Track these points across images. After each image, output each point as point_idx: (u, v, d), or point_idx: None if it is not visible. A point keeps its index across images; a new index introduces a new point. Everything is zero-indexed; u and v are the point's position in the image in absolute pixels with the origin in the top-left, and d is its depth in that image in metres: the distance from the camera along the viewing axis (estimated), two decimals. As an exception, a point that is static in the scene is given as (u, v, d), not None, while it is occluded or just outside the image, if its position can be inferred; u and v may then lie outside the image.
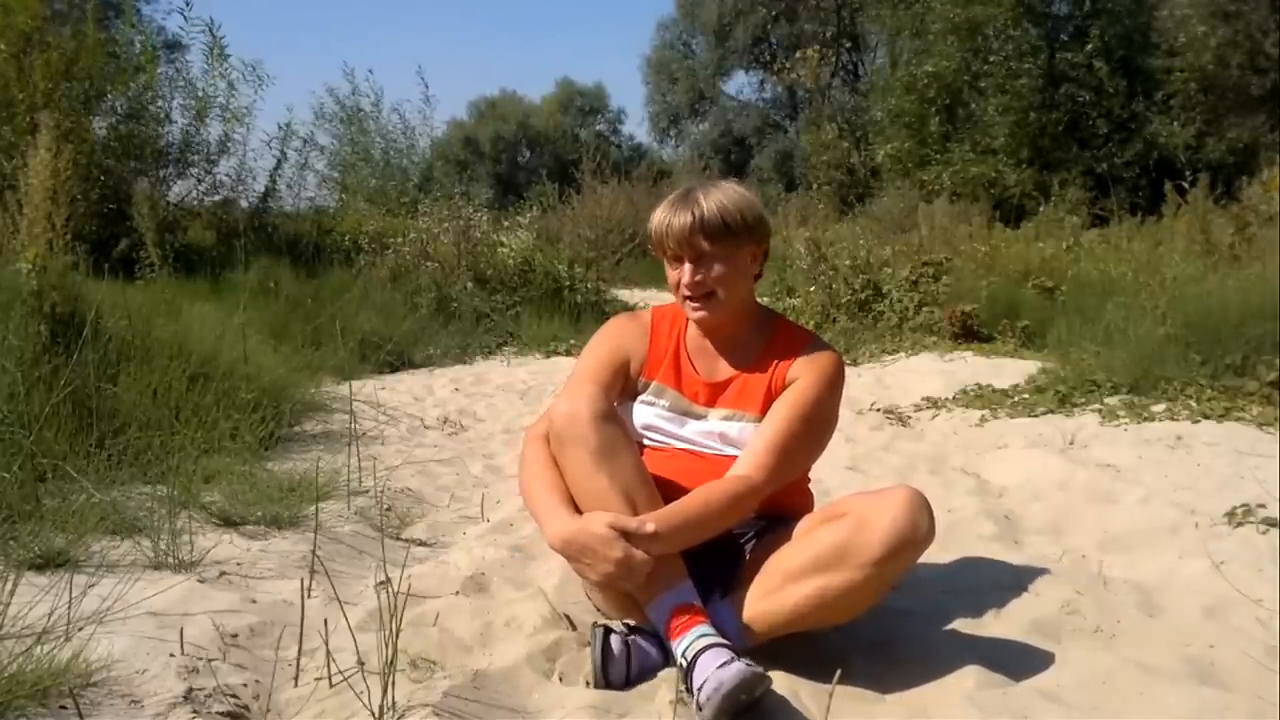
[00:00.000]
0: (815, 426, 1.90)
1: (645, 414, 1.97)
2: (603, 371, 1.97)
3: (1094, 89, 14.71)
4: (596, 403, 1.78)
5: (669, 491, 1.81)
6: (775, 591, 1.74)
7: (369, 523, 2.74)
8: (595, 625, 1.78)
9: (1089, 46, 14.75)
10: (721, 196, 1.88)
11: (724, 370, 1.98)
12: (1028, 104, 14.88)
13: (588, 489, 1.75)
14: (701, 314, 1.91)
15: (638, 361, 2.01)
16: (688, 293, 1.90)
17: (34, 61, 7.06)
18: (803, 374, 1.91)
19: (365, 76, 22.25)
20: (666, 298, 2.04)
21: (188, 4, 8.42)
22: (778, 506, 1.91)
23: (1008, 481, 3.16)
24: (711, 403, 1.96)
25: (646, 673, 1.75)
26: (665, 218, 1.89)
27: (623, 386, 1.99)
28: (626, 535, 1.67)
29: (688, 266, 1.88)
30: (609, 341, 2.04)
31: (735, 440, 1.90)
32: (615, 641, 1.73)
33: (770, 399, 1.91)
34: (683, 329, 2.03)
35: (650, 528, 1.68)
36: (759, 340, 1.98)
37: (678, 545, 1.73)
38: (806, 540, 1.77)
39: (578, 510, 1.76)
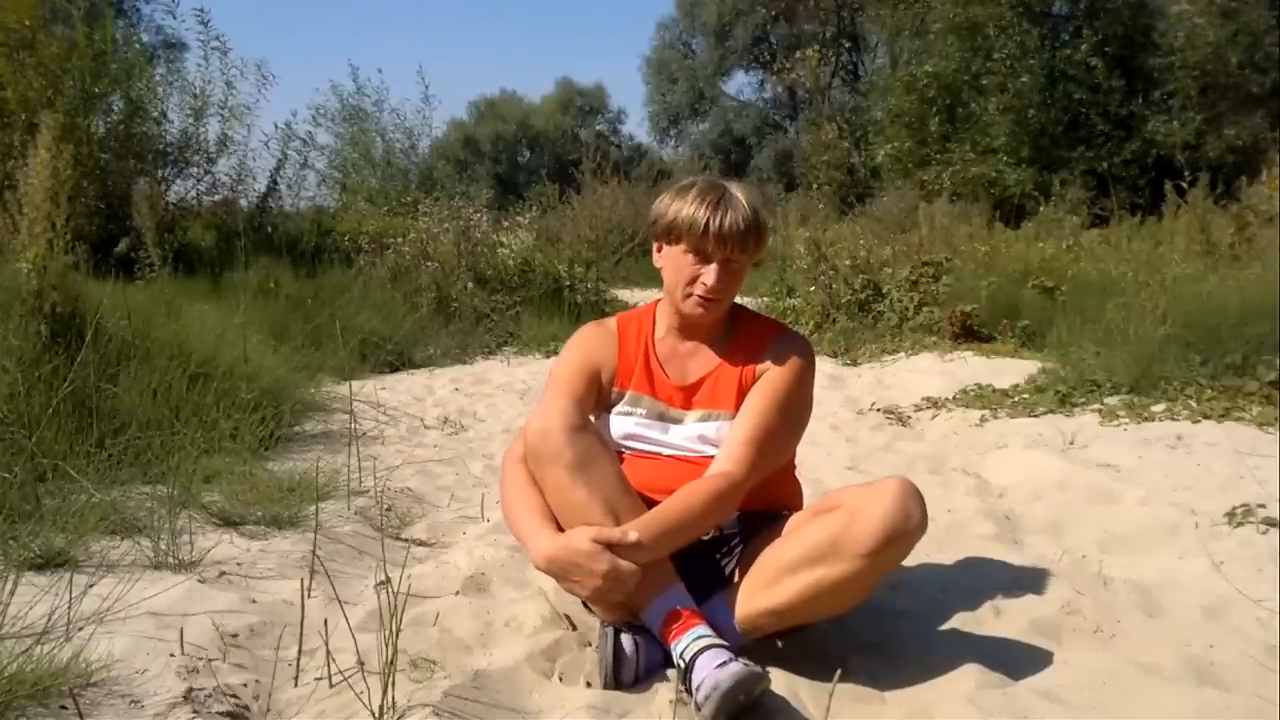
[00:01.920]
0: (790, 415, 1.90)
1: (624, 424, 1.95)
2: (575, 384, 1.93)
3: (1092, 88, 14.71)
4: (569, 416, 1.77)
5: (659, 499, 1.80)
6: (770, 585, 1.74)
7: (369, 523, 2.74)
8: (604, 625, 1.77)
9: (1084, 46, 14.75)
10: (750, 197, 1.85)
11: (694, 372, 1.96)
12: (1027, 103, 14.88)
13: (568, 503, 1.73)
14: (701, 312, 1.89)
15: (609, 372, 1.98)
16: (706, 294, 1.86)
17: (27, 60, 7.05)
18: (772, 364, 1.91)
19: (369, 76, 22.24)
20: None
21: (175, 2, 8.43)
22: (766, 499, 1.91)
23: (1008, 481, 3.16)
24: (686, 406, 1.95)
25: (651, 673, 1.75)
26: (702, 213, 1.82)
27: (596, 397, 1.97)
28: (611, 546, 1.66)
29: (714, 268, 1.84)
30: (578, 354, 2.00)
31: (714, 440, 1.89)
32: (627, 641, 1.73)
33: (743, 394, 1.90)
34: (650, 335, 2.00)
35: (634, 536, 1.67)
36: (726, 336, 1.97)
37: (664, 550, 1.73)
38: (799, 534, 1.77)
39: (560, 527, 1.74)
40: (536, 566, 1.76)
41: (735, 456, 1.81)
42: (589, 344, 2.01)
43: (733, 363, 1.94)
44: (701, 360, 1.96)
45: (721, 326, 1.98)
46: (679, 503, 1.75)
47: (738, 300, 2.00)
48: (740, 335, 1.97)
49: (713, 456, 1.87)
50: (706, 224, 1.82)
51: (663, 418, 1.95)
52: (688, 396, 1.95)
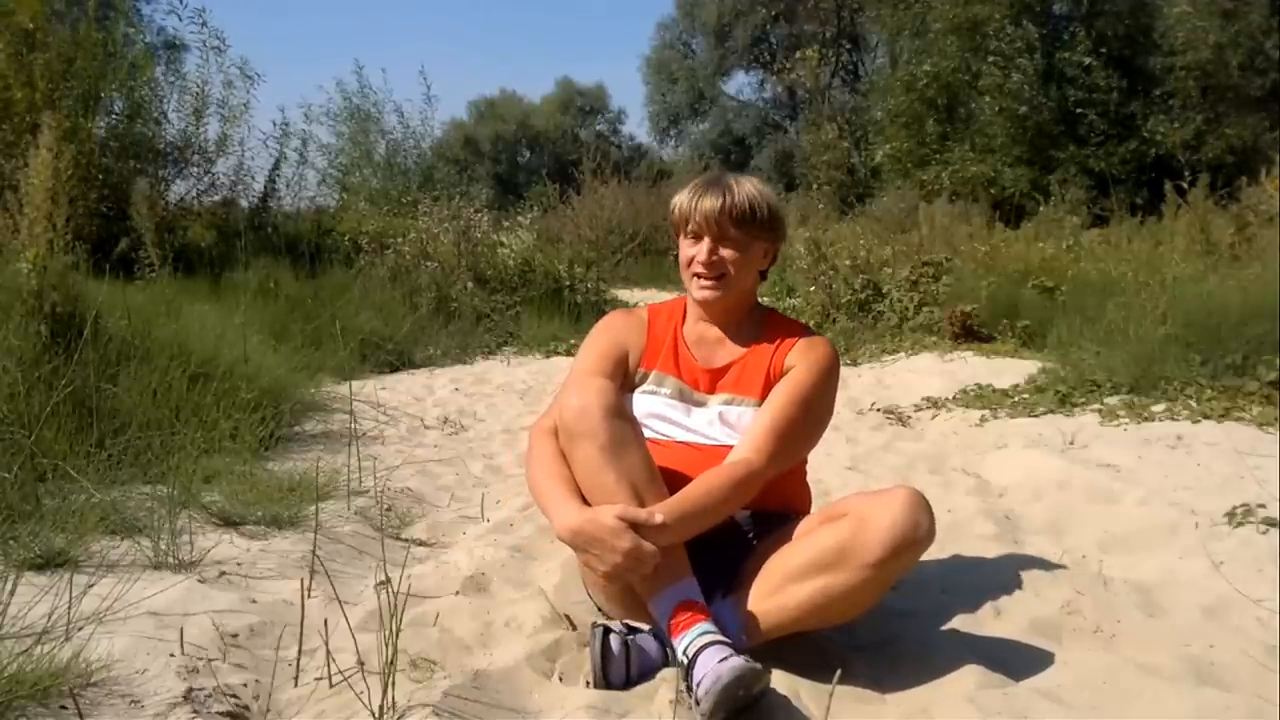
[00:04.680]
0: (813, 413, 1.93)
1: (649, 403, 1.98)
2: (605, 364, 1.99)
3: (1091, 88, 14.71)
4: (607, 396, 1.79)
5: (670, 484, 1.81)
6: (776, 592, 1.74)
7: (369, 523, 2.74)
8: (594, 625, 1.78)
9: (1080, 46, 14.75)
10: (751, 187, 1.95)
11: (722, 357, 2.01)
12: (1020, 102, 14.87)
13: (596, 483, 1.75)
14: (708, 293, 1.94)
15: (635, 354, 2.04)
16: (701, 270, 1.93)
17: (33, 61, 7.06)
18: (800, 362, 1.95)
19: (372, 75, 22.15)
20: (666, 297, 2.05)
21: (182, 3, 8.43)
22: (777, 501, 1.92)
23: (1008, 481, 3.16)
24: (711, 389, 1.98)
25: (646, 673, 1.74)
26: (694, 197, 1.94)
27: (623, 380, 2.00)
28: (635, 526, 1.67)
29: (706, 244, 1.92)
30: (608, 335, 2.06)
31: (734, 424, 1.92)
32: (614, 641, 1.73)
33: (769, 385, 1.94)
34: (680, 322, 2.05)
35: (659, 518, 1.69)
36: (755, 330, 2.02)
37: (685, 534, 1.74)
38: (807, 541, 1.77)
39: (586, 503, 1.76)
40: (559, 537, 1.77)
41: (757, 446, 1.83)
42: (618, 327, 2.08)
43: (762, 353, 1.98)
44: (730, 348, 2.01)
45: (750, 322, 2.03)
46: (700, 488, 1.78)
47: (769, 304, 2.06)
48: (770, 331, 2.02)
49: (727, 445, 1.89)
50: (691, 206, 1.93)
51: (687, 399, 1.98)
52: (714, 380, 1.99)
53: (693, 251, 1.95)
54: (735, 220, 1.90)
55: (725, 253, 1.92)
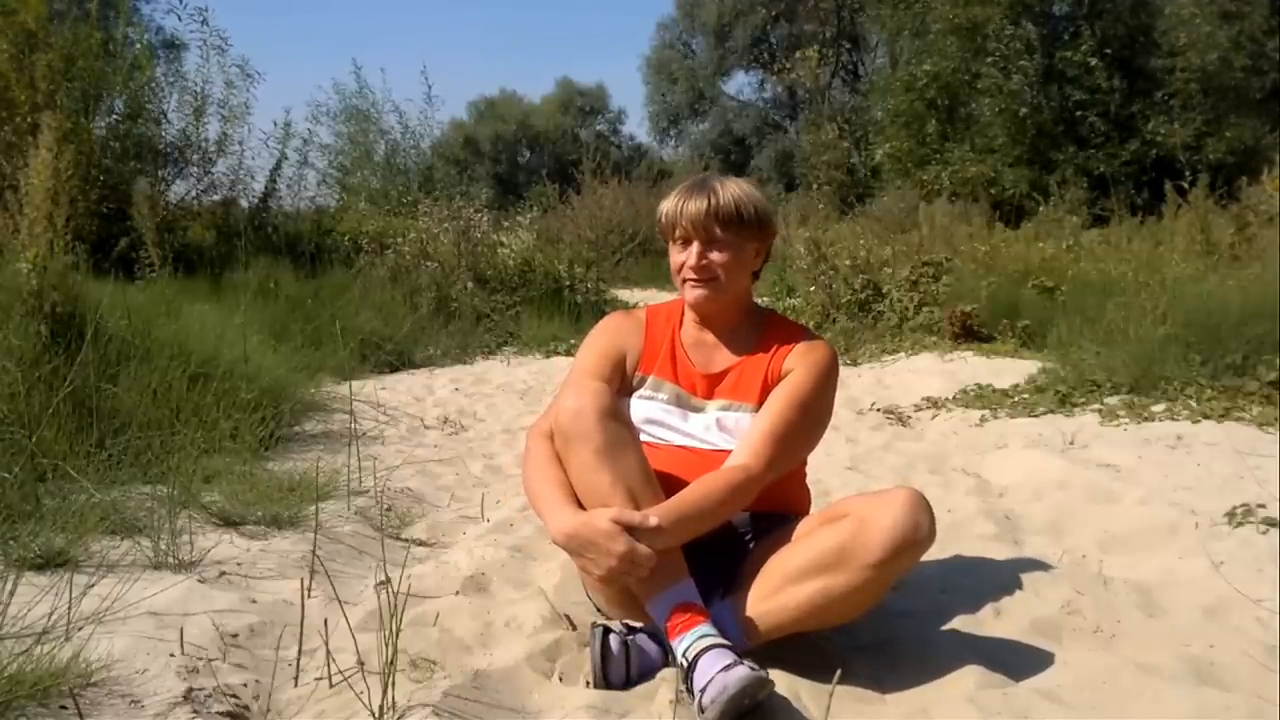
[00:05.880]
0: (811, 416, 1.92)
1: (646, 408, 1.97)
2: (603, 367, 1.99)
3: (1091, 89, 14.71)
4: (602, 399, 1.78)
5: (667, 488, 1.81)
6: (776, 593, 1.74)
7: (369, 523, 2.74)
8: (594, 625, 1.78)
9: (1084, 46, 14.75)
10: (736, 188, 1.93)
11: (720, 362, 2.00)
12: (1019, 104, 14.87)
13: (591, 486, 1.74)
14: (700, 293, 1.93)
15: (633, 357, 2.03)
16: (692, 275, 1.93)
17: (35, 61, 7.06)
18: (798, 365, 1.94)
19: (371, 75, 22.05)
20: (666, 297, 2.05)
21: (181, 2, 8.42)
22: (776, 502, 1.92)
23: (1008, 481, 3.16)
24: (709, 394, 1.98)
25: (646, 673, 1.74)
26: (680, 201, 1.92)
27: (620, 382, 2.00)
28: (630, 529, 1.67)
29: (695, 248, 1.91)
30: (605, 337, 2.05)
31: (732, 430, 1.92)
32: (614, 641, 1.73)
33: (767, 389, 1.93)
34: (678, 325, 2.05)
35: (654, 521, 1.68)
36: (753, 333, 2.01)
37: (681, 538, 1.74)
38: (807, 542, 1.77)
39: (581, 506, 1.75)
40: (554, 541, 1.77)
41: (755, 451, 1.83)
42: (616, 330, 2.07)
43: (759, 358, 1.97)
44: (727, 352, 2.00)
45: (748, 325, 2.02)
46: (698, 492, 1.77)
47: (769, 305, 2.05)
48: (768, 334, 2.00)
49: (723, 450, 1.89)
50: (678, 210, 1.92)
51: (684, 404, 1.97)
52: (711, 385, 1.98)
53: (682, 257, 1.94)
54: (722, 222, 1.89)
55: (715, 256, 1.91)
